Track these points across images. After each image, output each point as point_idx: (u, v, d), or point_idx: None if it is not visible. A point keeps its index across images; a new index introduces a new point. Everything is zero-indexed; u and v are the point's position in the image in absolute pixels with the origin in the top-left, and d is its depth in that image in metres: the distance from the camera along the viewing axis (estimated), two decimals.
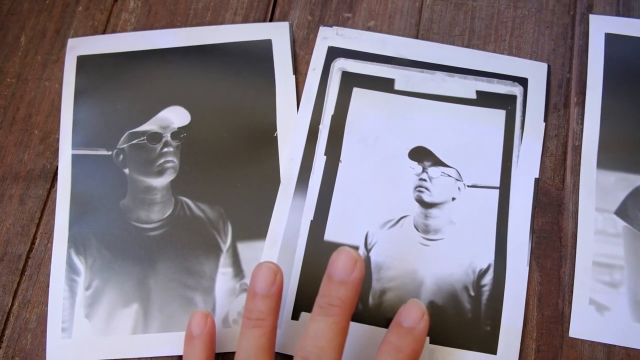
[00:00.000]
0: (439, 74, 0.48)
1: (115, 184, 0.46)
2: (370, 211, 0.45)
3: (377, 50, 0.48)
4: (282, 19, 0.51)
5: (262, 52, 0.49)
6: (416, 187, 0.45)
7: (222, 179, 0.46)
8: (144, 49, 0.49)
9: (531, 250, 0.44)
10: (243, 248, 0.44)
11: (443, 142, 0.45)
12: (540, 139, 0.46)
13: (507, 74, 0.47)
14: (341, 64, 0.48)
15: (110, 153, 0.47)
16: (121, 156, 0.47)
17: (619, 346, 0.42)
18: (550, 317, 0.43)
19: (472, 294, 0.42)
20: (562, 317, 0.43)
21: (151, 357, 0.43)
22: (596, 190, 0.45)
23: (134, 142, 0.47)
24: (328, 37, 0.49)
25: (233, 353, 0.42)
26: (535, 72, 0.48)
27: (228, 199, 0.45)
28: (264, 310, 0.36)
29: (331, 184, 0.45)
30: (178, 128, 0.47)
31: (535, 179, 0.45)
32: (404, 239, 0.44)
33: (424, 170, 0.45)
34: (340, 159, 0.46)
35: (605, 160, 0.46)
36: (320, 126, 0.47)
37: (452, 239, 0.44)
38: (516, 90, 0.47)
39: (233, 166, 0.46)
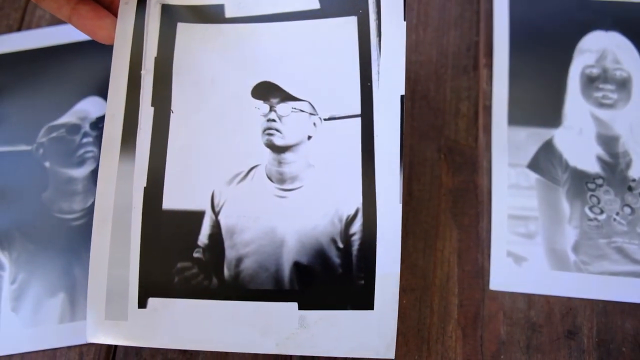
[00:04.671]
0: None
1: (36, 178, 0.47)
2: (214, 166, 0.38)
3: None
4: None
5: None
6: (264, 130, 0.38)
7: None
8: (58, 43, 0.50)
9: (402, 185, 0.37)
10: None
11: (290, 71, 0.38)
12: (403, 43, 0.37)
13: None
14: None
15: (30, 148, 0.47)
16: (41, 150, 0.47)
17: (538, 294, 0.43)
18: (471, 272, 0.44)
19: (341, 245, 0.36)
20: (482, 271, 0.44)
21: (80, 345, 0.43)
22: (508, 146, 0.46)
23: (53, 135, 0.47)
24: None
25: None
26: None
27: None
28: None
29: (164, 141, 0.38)
30: (96, 118, 0.47)
31: (401, 96, 0.37)
32: (257, 194, 0.37)
33: (271, 109, 0.38)
34: (172, 108, 0.38)
35: (516, 117, 0.47)
36: (142, 72, 0.38)
37: (312, 185, 0.37)
38: None
39: None
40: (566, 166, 0.46)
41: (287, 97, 0.38)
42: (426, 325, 0.43)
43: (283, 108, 0.38)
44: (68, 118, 0.48)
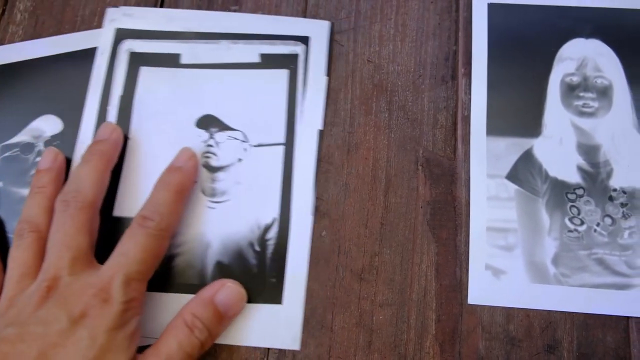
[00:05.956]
0: (224, 43, 0.49)
1: None
2: None
3: (164, 26, 0.49)
4: None
5: None
6: (203, 153, 0.46)
7: None
8: (13, 61, 0.49)
9: (314, 201, 0.45)
10: None
11: (229, 107, 0.47)
12: (322, 91, 0.47)
13: (290, 35, 0.49)
14: (129, 46, 0.49)
15: None
16: None
17: (517, 308, 0.43)
18: (449, 286, 0.43)
19: (258, 249, 0.43)
20: (461, 285, 0.43)
21: None
22: (487, 157, 0.46)
23: (6, 154, 0.47)
24: (115, 18, 0.50)
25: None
26: (317, 30, 0.49)
27: None
28: (45, 181, 0.43)
29: (120, 161, 0.46)
30: (51, 136, 0.47)
31: (319, 130, 0.46)
32: (191, 205, 0.45)
33: (211, 136, 0.46)
34: (129, 135, 0.47)
35: (495, 127, 0.46)
36: (109, 107, 0.47)
37: (238, 199, 0.45)
38: (298, 49, 0.48)
39: None
40: (546, 176, 0.45)
41: (224, 127, 0.47)
42: (403, 341, 0.42)
43: (220, 136, 0.46)
44: (22, 137, 0.47)
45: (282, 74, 0.48)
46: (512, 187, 0.45)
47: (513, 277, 0.43)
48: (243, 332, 0.42)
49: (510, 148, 0.46)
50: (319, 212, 0.45)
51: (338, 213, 0.45)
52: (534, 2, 0.49)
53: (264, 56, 0.48)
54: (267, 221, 0.44)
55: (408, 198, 0.45)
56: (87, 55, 0.49)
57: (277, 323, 0.42)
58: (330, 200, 0.45)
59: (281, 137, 0.46)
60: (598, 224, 0.44)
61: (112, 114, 0.47)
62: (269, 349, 0.42)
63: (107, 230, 0.43)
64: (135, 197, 0.44)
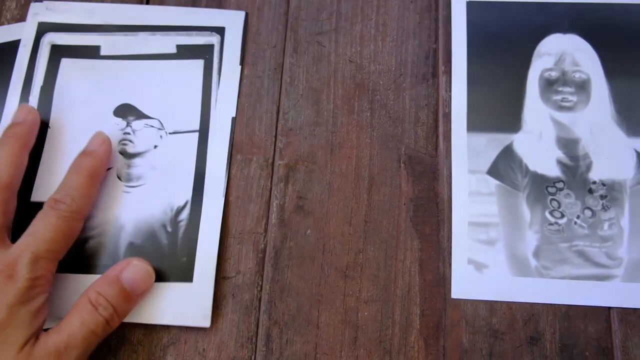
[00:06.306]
0: (142, 35, 0.50)
1: None
2: None
3: (85, 20, 0.51)
4: None
5: None
6: (120, 140, 0.47)
7: None
8: None
9: (225, 184, 0.46)
10: None
11: (146, 97, 0.48)
12: (236, 80, 0.49)
13: (206, 26, 0.50)
14: (51, 38, 0.50)
15: None
16: None
17: (500, 301, 0.43)
18: (432, 281, 0.44)
19: (170, 229, 0.45)
20: (444, 280, 0.44)
21: None
22: (468, 153, 0.46)
23: None
24: (38, 12, 0.51)
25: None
26: (233, 20, 0.51)
27: None
28: None
29: (39, 149, 0.47)
30: None
31: (232, 117, 0.48)
32: (107, 190, 0.46)
33: (128, 124, 0.48)
34: (49, 125, 0.48)
35: (475, 123, 0.47)
36: (30, 97, 0.49)
37: (153, 183, 0.46)
38: (214, 39, 0.50)
39: None
40: (526, 171, 0.46)
41: (141, 115, 0.48)
42: (388, 337, 0.43)
43: (137, 124, 0.48)
44: None
45: (198, 64, 0.49)
46: (493, 182, 0.46)
47: (495, 271, 0.44)
48: (154, 310, 0.43)
49: (490, 144, 0.47)
50: (303, 211, 0.46)
51: (322, 212, 0.46)
52: None
53: (180, 47, 0.50)
54: (179, 203, 0.45)
55: (391, 195, 0.46)
56: (10, 48, 0.50)
57: (188, 301, 0.43)
58: (314, 199, 0.46)
59: (196, 125, 0.48)
60: (578, 217, 0.44)
61: (33, 105, 0.48)
62: (255, 345, 0.43)
63: (25, 215, 0.43)
64: (54, 183, 0.45)
